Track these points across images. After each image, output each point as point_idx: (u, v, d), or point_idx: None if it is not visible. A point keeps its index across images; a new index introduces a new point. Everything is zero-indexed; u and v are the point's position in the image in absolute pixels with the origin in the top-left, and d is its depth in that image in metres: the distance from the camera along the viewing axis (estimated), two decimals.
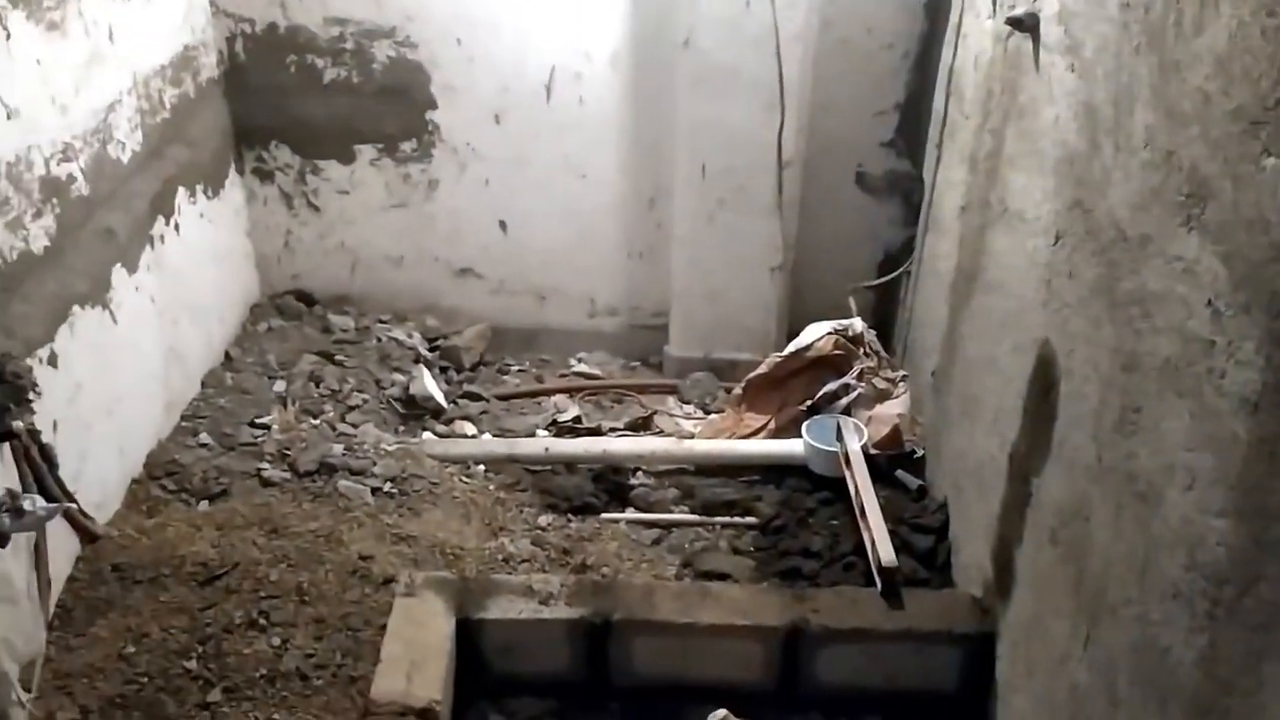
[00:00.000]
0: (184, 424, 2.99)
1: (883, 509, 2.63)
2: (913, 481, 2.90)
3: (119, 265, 2.64)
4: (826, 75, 3.19)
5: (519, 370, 3.59)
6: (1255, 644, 1.18)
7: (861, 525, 2.62)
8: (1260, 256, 1.22)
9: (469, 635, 2.32)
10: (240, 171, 3.46)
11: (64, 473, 2.24)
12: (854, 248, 3.51)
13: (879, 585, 2.39)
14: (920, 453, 2.95)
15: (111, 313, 2.60)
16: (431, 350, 3.49)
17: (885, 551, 2.43)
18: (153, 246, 2.84)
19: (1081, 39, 1.90)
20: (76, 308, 2.43)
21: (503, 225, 3.53)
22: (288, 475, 2.78)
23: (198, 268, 3.13)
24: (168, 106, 2.94)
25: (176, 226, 2.98)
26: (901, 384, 3.09)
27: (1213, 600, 1.29)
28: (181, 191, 3.01)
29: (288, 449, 2.85)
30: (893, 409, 3.00)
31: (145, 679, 2.20)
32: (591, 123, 3.34)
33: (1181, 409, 1.41)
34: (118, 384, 2.64)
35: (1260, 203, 1.22)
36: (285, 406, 3.05)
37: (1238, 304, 1.27)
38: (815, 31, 3.07)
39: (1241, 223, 1.27)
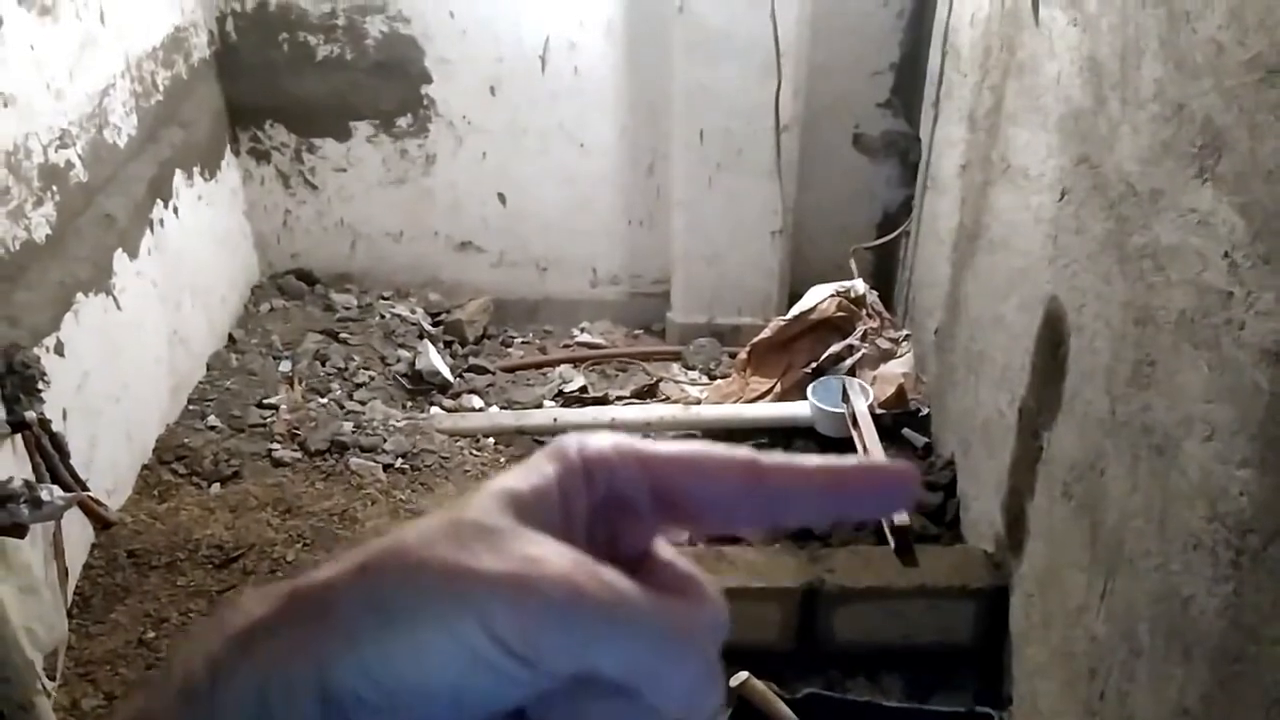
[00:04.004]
0: (191, 407, 3.00)
1: None
2: (919, 439, 2.92)
3: (120, 250, 2.63)
4: (822, 36, 3.17)
5: (522, 342, 3.59)
6: None
7: None
8: (1279, 206, 1.23)
9: None
10: (236, 152, 3.44)
11: (75, 461, 2.25)
12: (853, 209, 3.51)
13: (892, 543, 2.42)
14: (925, 411, 2.97)
15: (115, 298, 2.59)
16: (435, 325, 3.49)
17: None
18: (152, 230, 2.82)
19: None
20: (80, 295, 2.42)
21: (501, 198, 3.52)
22: (298, 455, 2.78)
23: (197, 250, 3.12)
24: (161, 89, 2.91)
25: (175, 209, 2.96)
26: (905, 343, 3.11)
27: (1236, 550, 1.30)
28: (178, 174, 2.99)
29: (297, 428, 2.86)
30: (897, 368, 3.01)
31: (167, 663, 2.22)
32: (587, 91, 3.32)
33: (1199, 361, 1.42)
34: (124, 370, 2.64)
35: (1278, 152, 1.23)
36: (292, 386, 3.05)
37: (1256, 255, 1.28)
38: None
39: (1260, 173, 1.27)
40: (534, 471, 0.35)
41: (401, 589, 0.31)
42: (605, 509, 0.36)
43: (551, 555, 0.31)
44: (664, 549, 0.37)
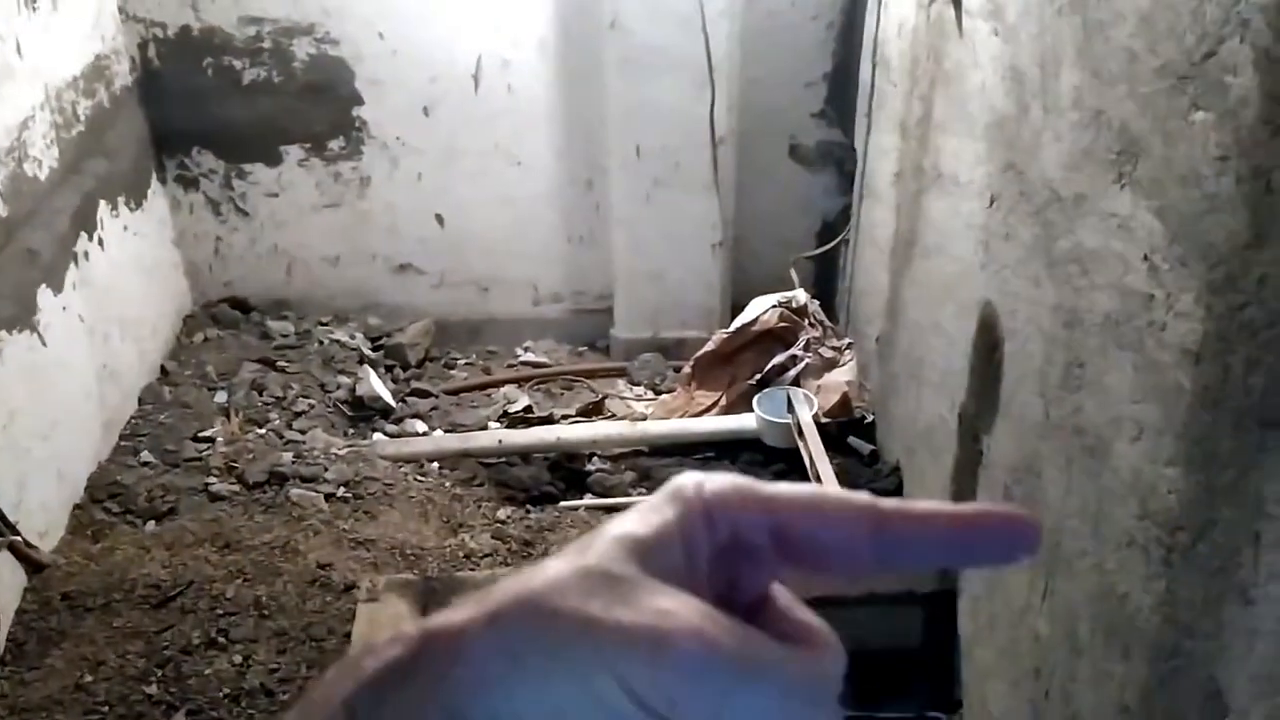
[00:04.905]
0: (124, 443, 2.92)
1: (838, 476, 2.66)
2: (865, 447, 2.93)
3: (44, 285, 2.56)
4: (754, 50, 3.19)
5: (466, 363, 3.56)
6: (1213, 588, 1.22)
7: None
8: (1194, 209, 1.25)
9: None
10: (162, 180, 3.37)
11: (4, 503, 2.19)
12: (792, 219, 3.54)
13: None
14: (870, 418, 2.99)
15: (40, 335, 2.52)
16: (375, 349, 3.44)
17: None
18: (77, 264, 2.75)
19: (1003, 3, 1.92)
20: (4, 333, 2.36)
21: (439, 218, 3.49)
22: (236, 488, 2.73)
23: (126, 282, 3.05)
24: (82, 119, 2.85)
25: (100, 241, 2.90)
26: (847, 352, 3.13)
27: (1168, 547, 1.32)
28: (103, 205, 2.93)
29: (235, 461, 2.80)
30: (840, 377, 3.03)
31: (106, 708, 2.15)
32: (522, 109, 3.31)
33: (1125, 362, 1.44)
34: (52, 407, 2.57)
35: (1191, 156, 1.25)
36: (229, 418, 2.99)
37: (1174, 257, 1.30)
38: (741, 7, 3.07)
39: (1174, 177, 1.29)
40: (655, 514, 0.35)
41: (535, 640, 0.31)
42: (726, 552, 0.36)
43: (682, 608, 0.31)
44: (781, 593, 0.37)
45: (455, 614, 0.33)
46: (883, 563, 0.35)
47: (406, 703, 0.32)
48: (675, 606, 0.31)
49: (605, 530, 0.35)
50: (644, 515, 0.35)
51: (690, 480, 0.36)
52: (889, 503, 0.35)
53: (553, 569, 0.33)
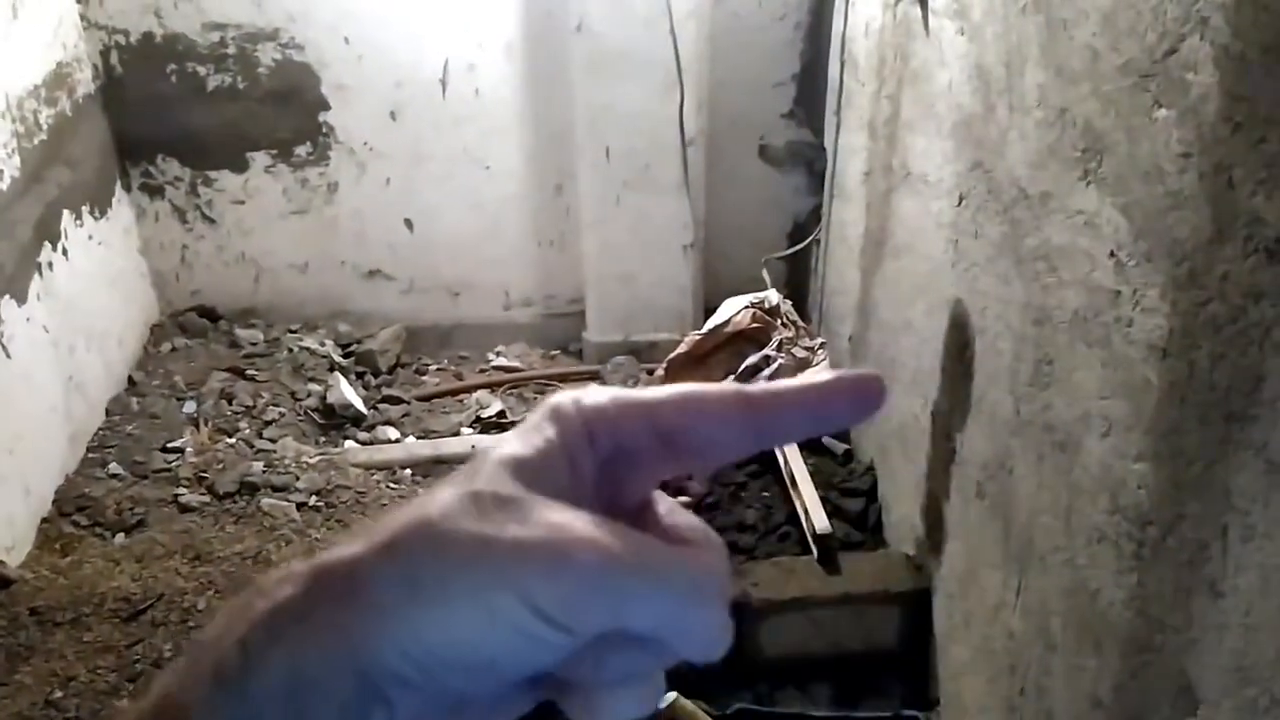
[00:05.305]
0: (91, 455, 2.88)
1: (812, 476, 2.66)
2: (839, 447, 2.94)
3: (7, 297, 2.52)
4: (722, 50, 3.19)
5: (437, 369, 3.54)
6: (1183, 582, 1.23)
7: (793, 494, 2.65)
8: (1158, 206, 1.26)
9: None
10: (127, 188, 3.33)
11: None
12: (763, 220, 3.54)
13: (815, 553, 2.43)
14: None
15: (4, 347, 2.48)
16: (346, 356, 3.41)
17: (819, 519, 2.46)
18: (41, 274, 2.71)
19: (968, 2, 1.93)
20: None
21: (408, 224, 3.47)
22: (207, 499, 2.70)
23: (91, 292, 3.01)
24: (44, 128, 2.80)
25: (64, 251, 2.86)
26: (820, 351, 3.13)
27: (1138, 542, 1.33)
28: (66, 215, 2.89)
29: (204, 471, 2.77)
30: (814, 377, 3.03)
31: None
32: (490, 113, 3.30)
33: (1093, 359, 1.45)
34: (17, 420, 2.53)
35: (1155, 153, 1.26)
36: (198, 427, 2.96)
37: (1139, 253, 1.31)
38: (708, 8, 3.07)
39: (1138, 174, 1.30)
40: (536, 434, 0.35)
41: (432, 565, 0.31)
42: (609, 462, 0.36)
43: (575, 521, 0.32)
44: (662, 499, 0.39)
45: (347, 548, 0.33)
46: (757, 444, 0.37)
47: (302, 639, 0.31)
48: (568, 520, 0.32)
49: (488, 454, 0.35)
50: (525, 436, 0.35)
51: (568, 398, 0.36)
52: (755, 388, 0.37)
53: (442, 496, 0.33)
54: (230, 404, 3.09)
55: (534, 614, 0.30)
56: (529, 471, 0.34)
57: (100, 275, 3.09)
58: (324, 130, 3.30)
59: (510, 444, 0.35)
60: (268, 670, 0.31)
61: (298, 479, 2.74)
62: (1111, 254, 1.38)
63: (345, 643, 0.31)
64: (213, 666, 0.32)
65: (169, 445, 2.89)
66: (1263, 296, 1.07)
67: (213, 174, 3.35)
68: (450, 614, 0.31)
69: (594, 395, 0.36)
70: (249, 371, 3.23)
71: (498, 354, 3.59)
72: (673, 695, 2.09)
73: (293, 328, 3.48)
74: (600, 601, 0.31)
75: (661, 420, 0.36)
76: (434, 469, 2.92)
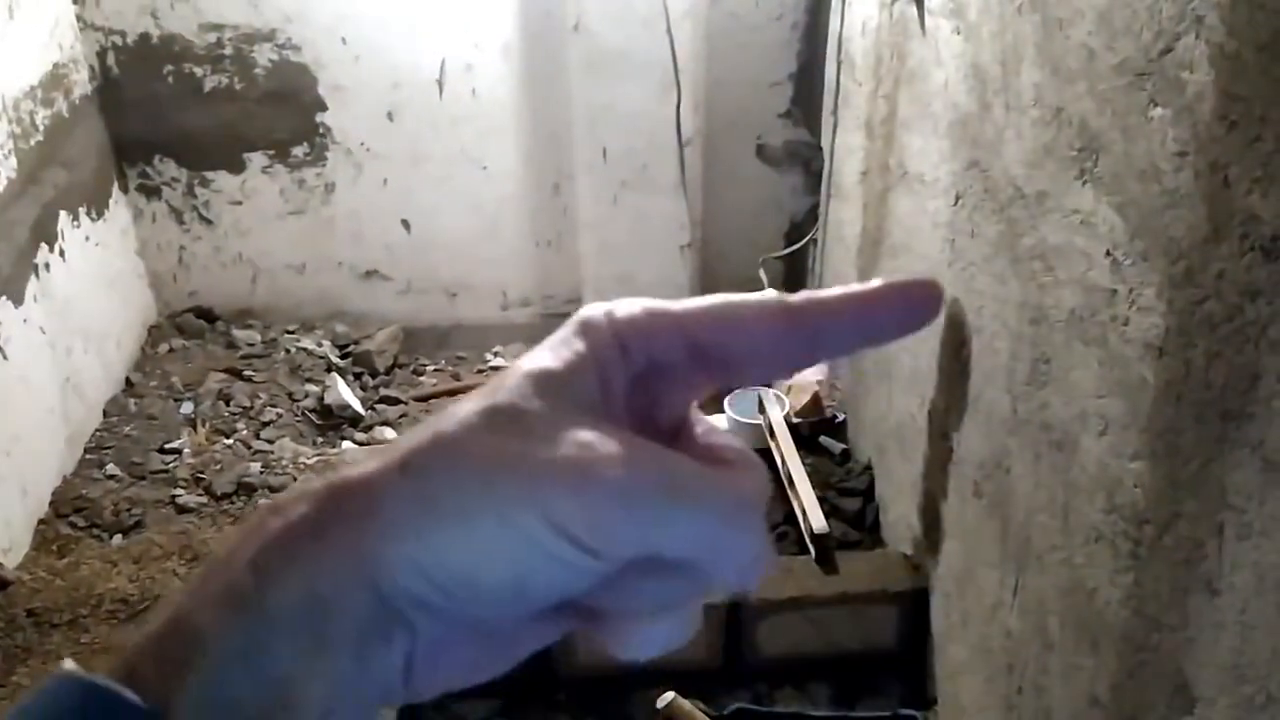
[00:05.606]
0: (88, 456, 2.88)
1: (810, 476, 2.66)
2: (836, 446, 2.94)
3: (4, 298, 2.52)
4: (719, 50, 3.19)
5: (435, 370, 3.54)
6: (1180, 580, 1.23)
7: (790, 494, 2.65)
8: (1154, 204, 1.26)
9: None
10: (124, 189, 3.33)
11: None
12: (760, 219, 3.54)
13: (812, 552, 2.43)
14: (841, 417, 2.99)
15: (1, 349, 2.48)
16: (343, 357, 3.41)
17: (816, 518, 2.46)
18: (37, 276, 2.71)
19: (964, 1, 1.93)
20: None
21: (405, 224, 3.47)
22: (204, 499, 2.69)
23: (88, 293, 3.01)
24: (40, 129, 2.80)
25: (61, 253, 2.85)
26: None
27: (1135, 541, 1.33)
28: (63, 216, 2.89)
29: (202, 472, 2.77)
30: (811, 376, 3.04)
31: None
32: (487, 114, 3.30)
33: (1089, 358, 1.45)
34: (14, 422, 2.53)
35: (1150, 152, 1.26)
36: (195, 428, 2.96)
37: (1136, 252, 1.31)
38: (705, 7, 3.07)
39: (1134, 173, 1.30)
40: (565, 348, 0.34)
41: (450, 482, 0.30)
42: (641, 377, 0.34)
43: (602, 438, 0.30)
44: (700, 418, 0.37)
45: (364, 466, 0.32)
46: (800, 358, 0.35)
47: (318, 558, 0.30)
48: (594, 438, 0.30)
49: (515, 367, 0.33)
50: (555, 350, 0.34)
51: (599, 309, 0.35)
52: (796, 298, 0.34)
53: (463, 411, 0.32)
54: (228, 405, 3.09)
55: (558, 534, 0.29)
56: (557, 386, 0.32)
57: (97, 276, 3.09)
58: (321, 131, 3.30)
59: (539, 357, 0.34)
60: (282, 590, 0.30)
61: (295, 480, 2.74)
62: (1108, 253, 1.38)
63: (361, 561, 0.30)
64: (225, 587, 0.31)
65: (166, 446, 2.89)
66: (1259, 294, 1.07)
67: (210, 175, 3.35)
68: (470, 533, 0.29)
69: (627, 306, 0.34)
70: (246, 372, 3.23)
71: (495, 354, 3.59)
72: (670, 695, 2.09)
73: (290, 328, 3.48)
74: (629, 522, 0.30)
75: (696, 335, 0.34)
76: None
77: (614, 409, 0.34)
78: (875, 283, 0.35)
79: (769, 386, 3.02)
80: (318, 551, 0.30)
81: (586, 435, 0.30)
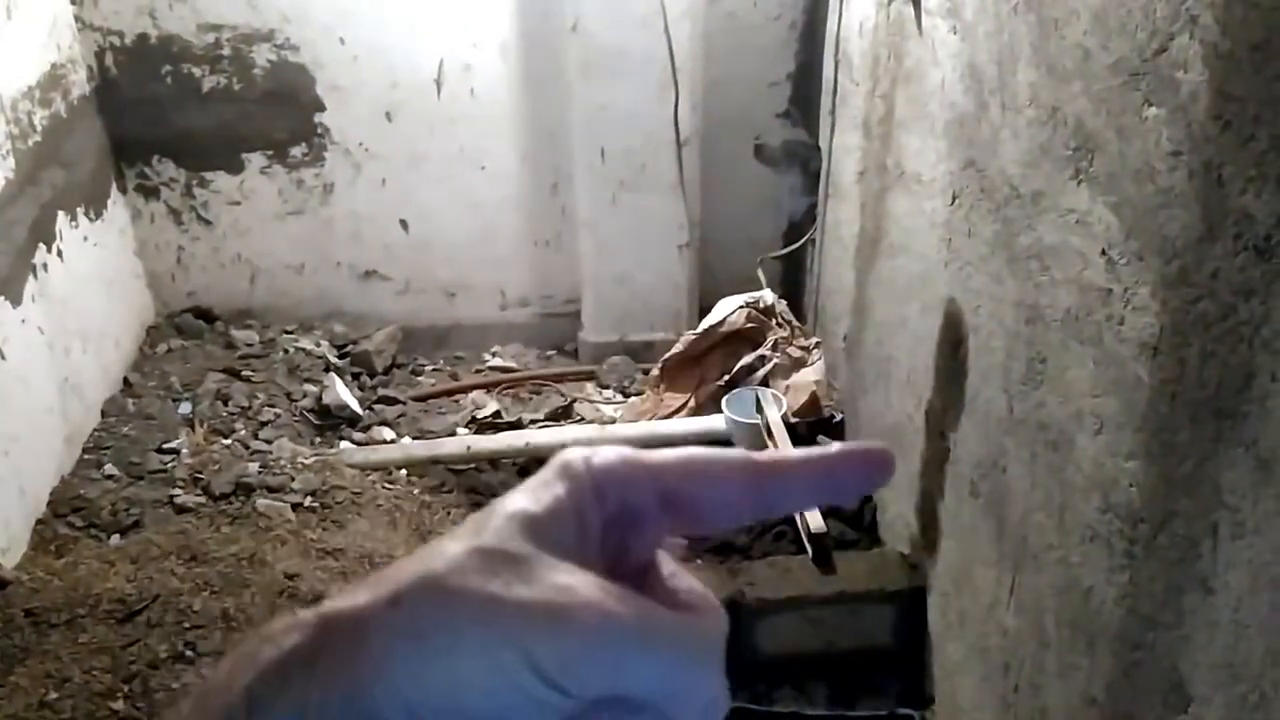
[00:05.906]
0: (87, 456, 2.88)
1: None
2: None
3: (2, 299, 2.52)
4: (717, 50, 3.19)
5: (433, 370, 3.54)
6: (1174, 579, 1.23)
7: None
8: (1149, 204, 1.26)
9: None
10: (123, 190, 3.33)
11: None
12: (758, 219, 3.54)
13: (810, 552, 2.43)
14: (839, 417, 3.00)
15: None
16: (341, 357, 3.42)
17: (814, 518, 2.46)
18: (36, 276, 2.71)
19: (961, 1, 1.94)
20: None
21: (404, 224, 3.47)
22: (202, 499, 2.69)
23: (86, 293, 3.01)
24: (39, 129, 2.80)
25: (60, 253, 2.85)
26: (815, 351, 3.14)
27: (1130, 540, 1.33)
28: (61, 216, 2.89)
29: (200, 472, 2.77)
30: (809, 376, 3.04)
31: None
32: (485, 114, 3.30)
33: (1085, 357, 1.46)
34: (13, 422, 2.53)
35: (1145, 151, 1.26)
36: (193, 428, 2.95)
37: (1130, 252, 1.31)
38: (703, 7, 3.07)
39: (1129, 173, 1.30)
40: (546, 491, 0.36)
41: (439, 620, 0.32)
42: (614, 521, 0.36)
43: (579, 582, 0.32)
44: (666, 561, 0.39)
45: (353, 598, 0.33)
46: (761, 512, 0.38)
47: (308, 689, 0.32)
48: (573, 581, 0.32)
49: (498, 508, 0.35)
50: (535, 492, 0.36)
51: (578, 455, 0.37)
52: (764, 456, 0.37)
53: (450, 549, 0.33)
54: (226, 405, 3.09)
55: (535, 674, 0.31)
56: (538, 528, 0.34)
57: (96, 277, 3.09)
58: (319, 131, 3.30)
59: (520, 499, 0.35)
60: (275, 717, 0.32)
61: (293, 480, 2.73)
62: (1103, 252, 1.39)
63: (351, 691, 0.31)
64: (220, 713, 0.33)
65: (164, 446, 2.89)
66: (1252, 294, 1.07)
67: (208, 175, 3.35)
68: (454, 668, 0.31)
69: (604, 454, 0.37)
70: (244, 372, 3.23)
71: (494, 354, 3.59)
72: None
73: (288, 328, 3.48)
74: (599, 664, 0.32)
75: (668, 483, 0.37)
76: (429, 469, 2.92)
77: (589, 551, 0.36)
78: (834, 447, 0.38)
79: (766, 386, 3.02)
80: (309, 681, 0.32)
81: (565, 579, 0.32)
